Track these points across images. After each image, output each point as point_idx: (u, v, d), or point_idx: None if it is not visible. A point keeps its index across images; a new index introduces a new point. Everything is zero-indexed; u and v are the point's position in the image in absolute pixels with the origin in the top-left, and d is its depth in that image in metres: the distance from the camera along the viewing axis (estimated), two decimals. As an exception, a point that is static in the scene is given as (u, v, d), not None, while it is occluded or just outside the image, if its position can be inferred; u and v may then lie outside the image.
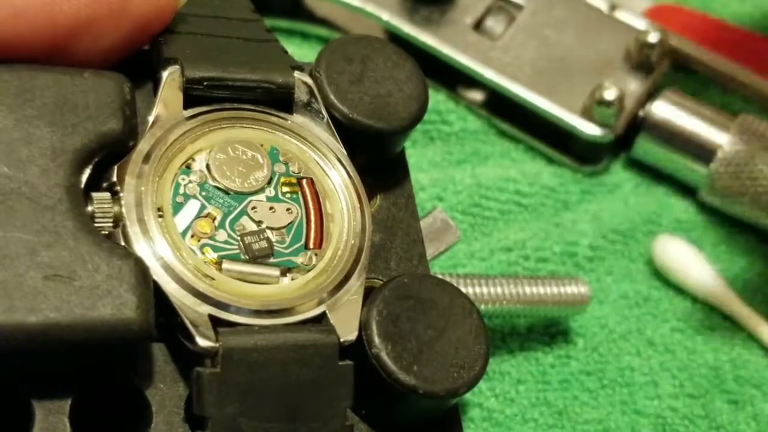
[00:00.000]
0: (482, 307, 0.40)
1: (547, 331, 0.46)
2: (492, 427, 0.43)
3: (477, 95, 0.53)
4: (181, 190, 0.31)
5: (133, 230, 0.30)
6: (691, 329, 0.48)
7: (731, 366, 0.47)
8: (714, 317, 0.49)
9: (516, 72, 0.51)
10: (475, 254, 0.47)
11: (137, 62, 0.33)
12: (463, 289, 0.39)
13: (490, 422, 0.43)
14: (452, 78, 0.52)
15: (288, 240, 0.32)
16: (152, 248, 0.30)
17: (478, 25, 0.52)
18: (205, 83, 0.32)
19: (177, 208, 0.31)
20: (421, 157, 0.50)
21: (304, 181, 0.33)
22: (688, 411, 0.46)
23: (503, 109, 0.52)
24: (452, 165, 0.50)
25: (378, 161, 0.36)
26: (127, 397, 0.30)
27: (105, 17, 0.30)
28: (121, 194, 0.30)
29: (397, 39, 0.51)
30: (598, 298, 0.48)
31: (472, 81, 0.52)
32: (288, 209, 0.32)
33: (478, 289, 0.40)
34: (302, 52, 0.51)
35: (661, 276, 0.49)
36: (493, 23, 0.53)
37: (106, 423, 0.30)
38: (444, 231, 0.38)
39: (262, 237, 0.31)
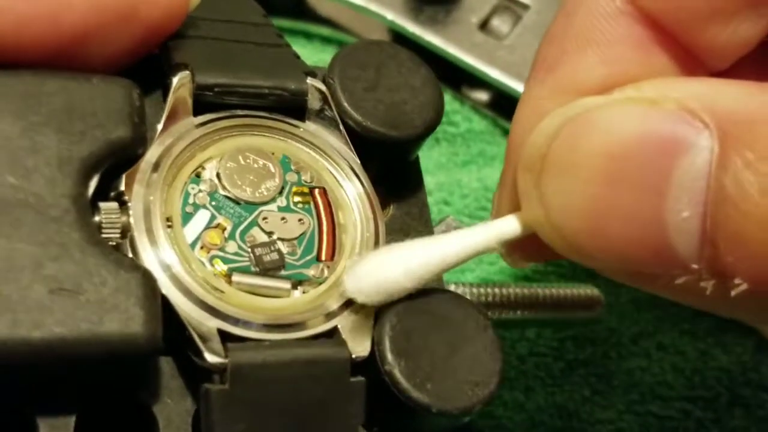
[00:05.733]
0: (495, 316, 0.40)
1: (556, 336, 0.46)
2: (501, 434, 0.43)
3: (482, 95, 0.52)
4: (191, 200, 0.31)
5: (141, 241, 0.29)
6: (701, 331, 0.48)
7: (742, 369, 0.47)
8: (725, 320, 0.48)
9: (522, 72, 0.50)
10: (483, 258, 0.46)
11: (147, 67, 0.32)
12: (475, 300, 0.38)
13: (499, 429, 0.43)
14: (457, 78, 0.52)
15: (299, 252, 0.31)
16: (160, 260, 0.29)
17: (483, 25, 0.52)
18: (215, 89, 0.32)
19: (186, 218, 0.30)
20: (426, 159, 0.50)
21: (317, 190, 0.32)
22: (700, 414, 0.45)
23: (509, 109, 0.51)
24: (458, 166, 0.50)
25: (392, 169, 0.35)
26: (133, 412, 0.29)
27: (113, 23, 0.30)
28: (129, 204, 0.29)
29: (401, 39, 0.51)
30: (608, 302, 0.47)
31: (478, 81, 0.51)
32: (300, 220, 0.32)
33: (490, 300, 0.39)
34: (306, 51, 0.51)
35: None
36: (499, 23, 0.52)
37: (111, 439, 0.30)
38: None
39: (273, 249, 0.31)
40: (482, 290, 0.40)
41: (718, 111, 0.26)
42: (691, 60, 0.31)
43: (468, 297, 0.39)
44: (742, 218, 0.25)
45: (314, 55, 0.51)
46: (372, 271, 0.30)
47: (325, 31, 0.53)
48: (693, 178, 0.26)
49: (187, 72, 0.32)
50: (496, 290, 0.40)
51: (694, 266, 0.26)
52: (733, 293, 0.26)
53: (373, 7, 0.51)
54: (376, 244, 0.32)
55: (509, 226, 0.30)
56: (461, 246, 0.30)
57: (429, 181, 0.48)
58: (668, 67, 0.30)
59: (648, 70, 0.30)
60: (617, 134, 0.27)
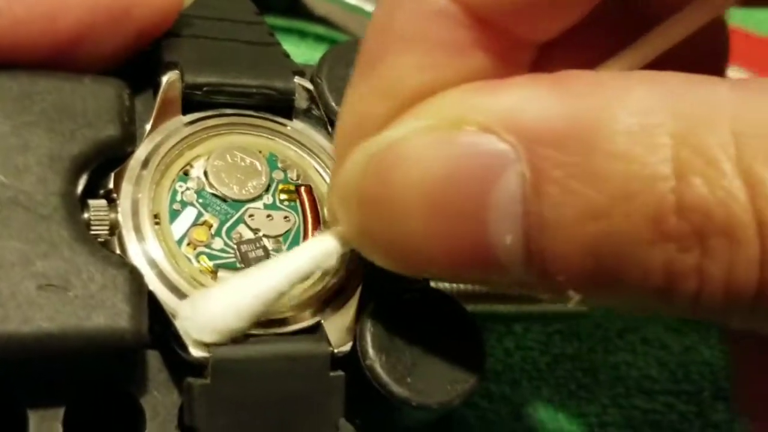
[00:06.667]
0: (481, 310, 0.40)
1: (544, 330, 0.46)
2: (486, 426, 0.43)
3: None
4: (179, 197, 0.31)
5: (129, 238, 0.30)
6: (686, 327, 0.48)
7: (725, 363, 0.48)
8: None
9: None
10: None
11: (139, 64, 0.32)
12: (462, 293, 0.39)
13: (483, 421, 0.43)
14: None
15: (285, 248, 0.32)
16: (148, 256, 0.30)
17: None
18: (204, 89, 0.32)
19: (174, 215, 0.31)
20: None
21: (303, 188, 0.33)
22: (683, 408, 0.46)
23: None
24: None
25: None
26: (121, 403, 0.30)
27: (107, 24, 0.30)
28: (118, 201, 0.30)
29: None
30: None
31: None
32: (285, 217, 0.32)
33: (477, 293, 0.40)
34: (299, 50, 0.51)
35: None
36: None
37: (100, 429, 0.30)
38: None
39: (258, 245, 0.31)
40: (468, 287, 0.40)
41: (523, 129, 0.25)
42: (515, 47, 0.29)
43: (455, 290, 0.40)
44: (563, 243, 0.25)
45: (308, 53, 0.51)
46: (206, 317, 0.29)
47: (319, 29, 0.53)
48: (509, 203, 0.25)
49: (177, 71, 0.32)
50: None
51: (527, 280, 0.26)
52: (570, 305, 0.26)
53: (368, 7, 0.51)
54: None
55: (331, 243, 0.30)
56: (288, 275, 0.29)
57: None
58: (488, 66, 0.28)
59: (466, 73, 0.28)
60: (423, 168, 0.26)
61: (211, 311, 0.29)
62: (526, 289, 0.27)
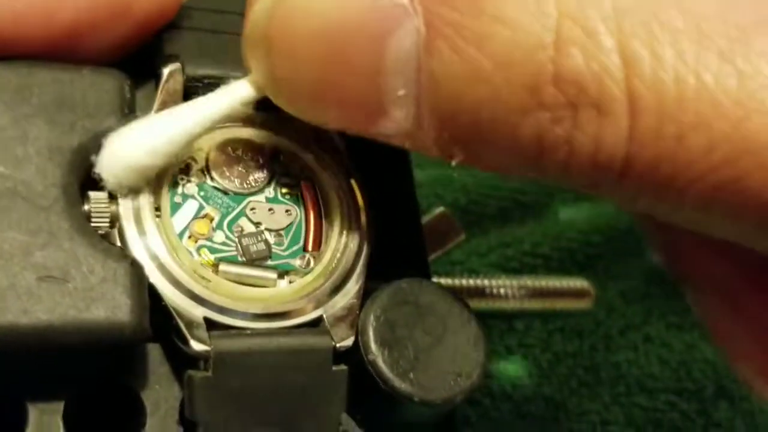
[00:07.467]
0: (486, 305, 0.40)
1: (545, 328, 0.46)
2: (488, 424, 0.43)
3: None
4: (180, 190, 0.31)
5: (130, 230, 0.29)
6: (689, 324, 0.48)
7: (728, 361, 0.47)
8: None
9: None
10: (473, 251, 0.46)
11: (140, 56, 0.32)
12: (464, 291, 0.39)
13: (486, 419, 0.43)
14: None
15: (286, 242, 0.31)
16: (148, 249, 0.29)
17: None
18: (205, 81, 0.32)
19: (175, 208, 0.31)
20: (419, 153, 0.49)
21: (304, 182, 0.33)
22: (685, 406, 0.46)
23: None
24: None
25: (381, 162, 0.35)
26: (121, 397, 0.29)
27: (107, 17, 0.30)
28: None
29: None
30: (596, 295, 0.48)
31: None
32: (287, 211, 0.32)
33: (480, 290, 0.40)
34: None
35: (658, 273, 0.49)
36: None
37: (100, 423, 0.30)
38: (448, 231, 0.38)
39: (260, 239, 0.31)
40: (471, 281, 0.40)
41: None
42: None
43: (457, 288, 0.40)
44: (449, 102, 0.25)
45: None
46: (118, 154, 0.29)
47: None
48: (403, 57, 0.26)
49: (178, 64, 0.32)
50: (486, 281, 0.41)
51: (416, 134, 0.27)
52: (453, 163, 0.27)
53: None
54: (362, 235, 0.32)
55: (245, 89, 0.30)
56: (203, 116, 0.30)
57: (421, 174, 0.48)
58: None
59: None
60: (323, 18, 0.26)
61: (124, 149, 0.29)
62: (414, 145, 0.28)
